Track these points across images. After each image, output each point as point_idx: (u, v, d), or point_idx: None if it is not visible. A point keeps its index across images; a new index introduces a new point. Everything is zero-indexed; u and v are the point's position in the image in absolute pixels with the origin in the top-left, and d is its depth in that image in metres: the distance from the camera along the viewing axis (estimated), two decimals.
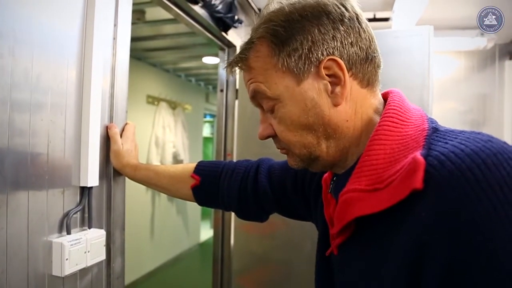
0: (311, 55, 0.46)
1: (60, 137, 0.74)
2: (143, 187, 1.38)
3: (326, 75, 0.47)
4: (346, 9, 0.47)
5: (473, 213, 0.32)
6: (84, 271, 0.80)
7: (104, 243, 0.83)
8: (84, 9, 0.79)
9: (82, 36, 0.79)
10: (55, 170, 0.73)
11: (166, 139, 3.67)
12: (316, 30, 0.46)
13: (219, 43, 1.73)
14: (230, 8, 1.57)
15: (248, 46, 0.50)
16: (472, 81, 2.68)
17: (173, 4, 1.26)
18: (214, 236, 1.92)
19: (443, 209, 0.34)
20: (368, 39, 0.48)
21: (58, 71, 0.73)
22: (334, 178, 0.55)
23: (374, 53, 0.49)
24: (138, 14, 2.13)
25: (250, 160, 0.82)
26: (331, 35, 0.46)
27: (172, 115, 3.82)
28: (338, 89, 0.47)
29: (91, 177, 0.80)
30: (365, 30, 0.48)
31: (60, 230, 0.75)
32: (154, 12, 2.13)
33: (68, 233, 0.75)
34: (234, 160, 0.93)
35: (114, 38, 0.89)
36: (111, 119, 0.90)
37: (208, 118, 5.82)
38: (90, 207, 0.82)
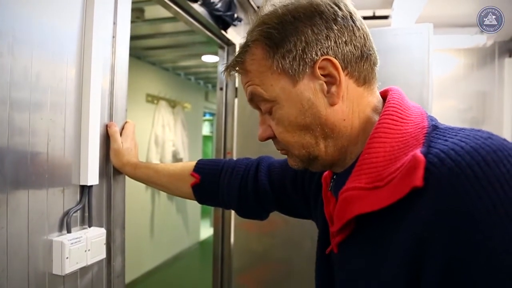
0: (305, 56, 0.46)
1: (60, 135, 0.74)
2: (143, 185, 1.38)
3: (322, 75, 0.47)
4: (340, 8, 0.47)
5: (472, 210, 0.32)
6: (84, 270, 0.80)
7: (104, 241, 0.83)
8: (83, 8, 0.79)
9: (82, 35, 0.78)
10: (55, 169, 0.73)
11: (166, 138, 3.67)
12: (310, 31, 0.46)
13: (219, 41, 1.73)
14: (229, 6, 1.57)
15: (244, 49, 0.51)
16: (472, 79, 2.68)
17: (173, 2, 1.26)
18: (214, 234, 1.92)
19: (443, 206, 0.34)
20: (362, 37, 0.48)
21: (57, 70, 0.73)
22: (334, 176, 0.55)
23: (370, 50, 0.49)
24: (137, 13, 2.13)
25: (250, 158, 0.82)
26: (324, 35, 0.46)
27: (171, 113, 3.81)
28: (334, 88, 0.47)
29: (91, 176, 0.80)
30: (359, 28, 0.48)
31: (60, 229, 0.75)
32: (153, 11, 2.13)
33: (68, 231, 0.75)
34: (234, 158, 0.93)
35: (113, 37, 0.89)
36: (110, 117, 0.90)
37: (207, 117, 5.82)
38: (90, 206, 0.82)
